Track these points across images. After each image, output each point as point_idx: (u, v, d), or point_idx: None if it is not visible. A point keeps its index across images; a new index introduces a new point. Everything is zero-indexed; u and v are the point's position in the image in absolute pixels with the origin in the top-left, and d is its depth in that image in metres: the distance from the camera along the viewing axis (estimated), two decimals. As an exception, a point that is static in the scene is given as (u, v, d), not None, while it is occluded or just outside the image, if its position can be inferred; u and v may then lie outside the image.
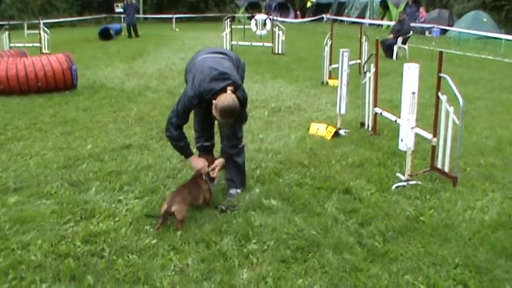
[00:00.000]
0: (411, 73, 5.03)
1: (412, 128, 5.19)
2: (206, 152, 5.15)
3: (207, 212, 4.58)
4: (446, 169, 5.27)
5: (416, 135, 5.40)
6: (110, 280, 3.52)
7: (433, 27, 24.90)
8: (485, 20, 26.66)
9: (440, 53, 5.23)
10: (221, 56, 4.75)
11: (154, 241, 4.05)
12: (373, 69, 6.81)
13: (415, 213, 4.56)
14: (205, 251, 3.89)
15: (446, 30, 26.53)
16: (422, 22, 27.94)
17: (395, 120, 6.15)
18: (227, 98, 4.25)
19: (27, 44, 19.08)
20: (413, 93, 5.06)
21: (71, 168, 5.84)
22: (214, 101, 4.29)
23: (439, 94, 5.23)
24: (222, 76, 4.38)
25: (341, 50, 7.08)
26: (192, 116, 4.71)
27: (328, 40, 11.41)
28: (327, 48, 11.45)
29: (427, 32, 25.88)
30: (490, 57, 17.84)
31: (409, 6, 27.24)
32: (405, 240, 4.08)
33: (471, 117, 8.04)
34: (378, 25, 31.71)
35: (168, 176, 5.54)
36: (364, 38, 12.26)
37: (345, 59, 7.00)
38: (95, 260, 3.78)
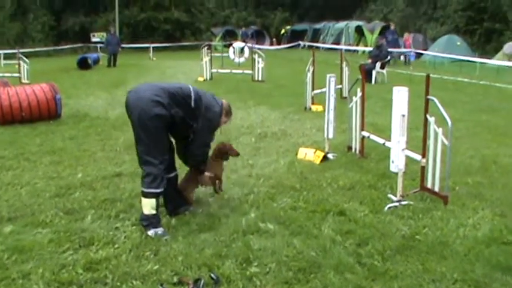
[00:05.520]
0: (401, 96, 5.19)
1: (403, 149, 5.33)
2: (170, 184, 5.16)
3: (205, 238, 4.62)
4: (436, 188, 5.40)
5: (405, 156, 5.54)
6: (117, 306, 3.54)
7: (410, 51, 25.38)
8: (458, 43, 27.38)
9: (427, 76, 5.42)
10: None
11: (156, 267, 4.08)
12: (359, 94, 6.96)
13: (410, 232, 4.67)
14: (208, 275, 3.91)
15: (421, 54, 27.07)
16: (408, 48, 27.37)
17: (384, 143, 6.29)
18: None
19: (5, 74, 18.93)
20: (403, 115, 5.21)
21: (64, 196, 5.83)
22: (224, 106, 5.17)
23: (428, 116, 5.38)
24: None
25: (328, 76, 7.23)
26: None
27: (310, 66, 11.60)
28: (309, 74, 11.62)
29: (402, 57, 26.25)
30: (465, 80, 18.31)
31: (390, 32, 26.98)
32: (403, 258, 4.18)
33: (454, 138, 8.13)
34: (354, 51, 32.25)
35: (161, 203, 5.55)
36: (344, 63, 12.50)
37: (332, 84, 7.15)
38: (99, 287, 3.79)
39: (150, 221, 4.76)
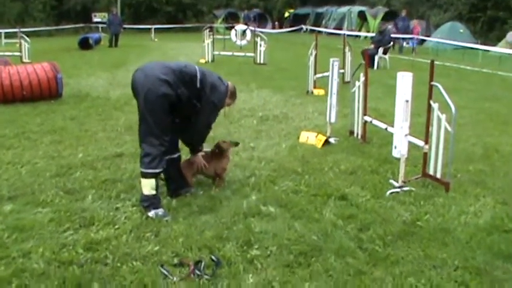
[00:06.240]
0: (405, 81, 5.14)
1: (406, 135, 5.30)
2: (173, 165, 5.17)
3: (206, 219, 4.61)
4: (438, 175, 5.39)
5: (408, 142, 5.51)
6: (117, 287, 3.53)
7: (412, 37, 25.18)
8: (461, 31, 27.23)
9: (432, 62, 5.36)
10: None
11: (156, 248, 4.07)
12: (362, 78, 6.92)
13: (411, 218, 4.66)
14: (209, 257, 3.91)
15: (423, 41, 26.91)
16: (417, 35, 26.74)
17: (386, 128, 6.27)
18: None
19: (6, 53, 18.82)
20: (407, 101, 5.17)
21: (65, 176, 5.82)
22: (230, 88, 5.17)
23: (431, 102, 5.35)
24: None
25: (331, 60, 7.17)
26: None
27: (313, 50, 11.53)
28: (312, 58, 11.56)
29: (404, 43, 25.99)
30: (468, 67, 18.25)
31: (401, 19, 26.39)
32: (404, 244, 4.18)
33: (457, 125, 8.13)
34: (356, 36, 32.06)
35: (163, 183, 5.53)
36: (347, 48, 12.43)
37: (335, 68, 7.09)
38: (100, 268, 3.78)
39: (150, 202, 4.74)
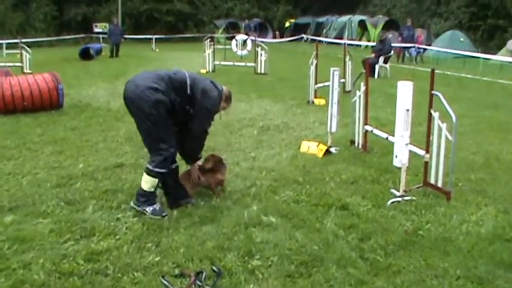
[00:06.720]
0: (405, 91, 5.15)
1: (407, 144, 5.30)
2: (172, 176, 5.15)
3: (207, 230, 4.60)
4: (439, 184, 5.38)
5: (409, 151, 5.51)
6: (118, 298, 3.52)
7: (413, 46, 25.15)
8: (462, 39, 27.26)
9: (432, 71, 5.36)
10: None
11: (157, 258, 4.06)
12: (363, 88, 6.92)
13: (412, 228, 4.66)
14: (210, 268, 3.90)
15: (424, 50, 26.92)
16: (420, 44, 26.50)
17: (387, 138, 6.27)
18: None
19: (7, 64, 18.85)
20: (408, 110, 5.18)
21: (65, 187, 5.81)
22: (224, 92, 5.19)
23: (432, 111, 5.36)
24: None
25: (331, 69, 7.18)
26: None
27: (314, 60, 11.55)
28: (312, 68, 11.58)
29: (406, 53, 25.88)
30: (469, 76, 18.29)
31: (406, 28, 26.09)
32: (406, 253, 4.17)
33: (458, 134, 8.15)
34: (356, 45, 32.10)
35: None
36: (348, 57, 12.45)
37: (336, 78, 7.10)
38: (100, 278, 3.77)
39: (147, 198, 4.82)
